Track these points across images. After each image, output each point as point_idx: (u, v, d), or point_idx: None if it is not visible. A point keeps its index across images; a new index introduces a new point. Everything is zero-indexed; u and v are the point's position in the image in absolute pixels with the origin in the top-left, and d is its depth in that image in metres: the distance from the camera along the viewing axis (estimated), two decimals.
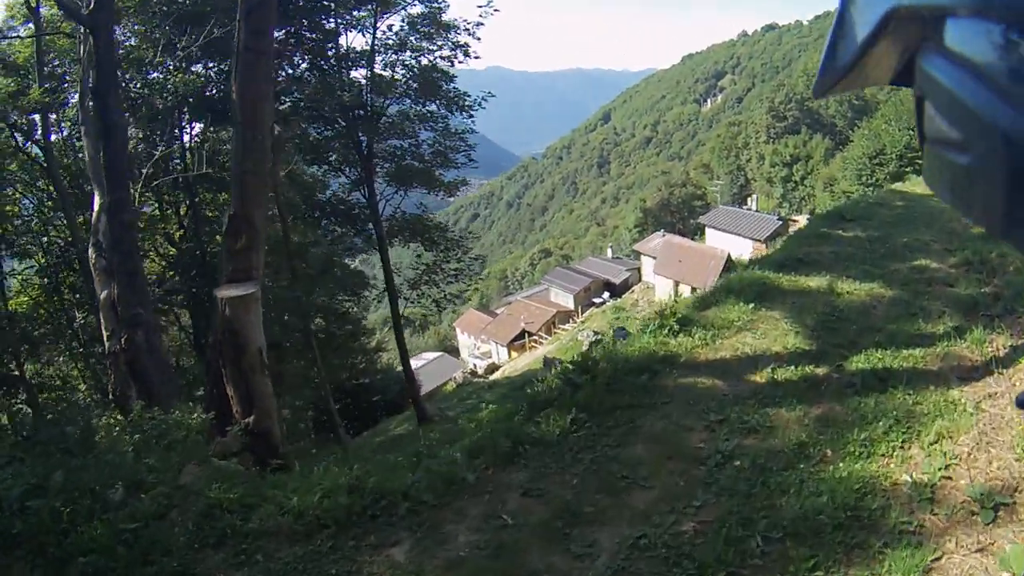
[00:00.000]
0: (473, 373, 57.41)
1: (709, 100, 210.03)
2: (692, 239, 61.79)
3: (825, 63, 0.92)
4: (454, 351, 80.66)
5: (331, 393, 35.64)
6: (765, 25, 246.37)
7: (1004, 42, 0.59)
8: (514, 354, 63.55)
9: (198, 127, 30.19)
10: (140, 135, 28.05)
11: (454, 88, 30.62)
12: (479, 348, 72.57)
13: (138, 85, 27.12)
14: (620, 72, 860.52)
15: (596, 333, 45.80)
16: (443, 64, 29.75)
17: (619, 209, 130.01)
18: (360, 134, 29.11)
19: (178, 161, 30.49)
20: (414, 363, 65.08)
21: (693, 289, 46.94)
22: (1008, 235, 0.64)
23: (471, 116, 32.47)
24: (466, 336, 76.39)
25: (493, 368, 59.99)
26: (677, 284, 51.76)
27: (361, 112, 28.62)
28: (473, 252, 39.93)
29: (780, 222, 52.05)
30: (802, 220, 52.12)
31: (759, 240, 49.94)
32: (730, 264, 46.99)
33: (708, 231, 56.77)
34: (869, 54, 0.81)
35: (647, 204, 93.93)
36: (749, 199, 64.99)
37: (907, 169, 37.75)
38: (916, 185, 20.96)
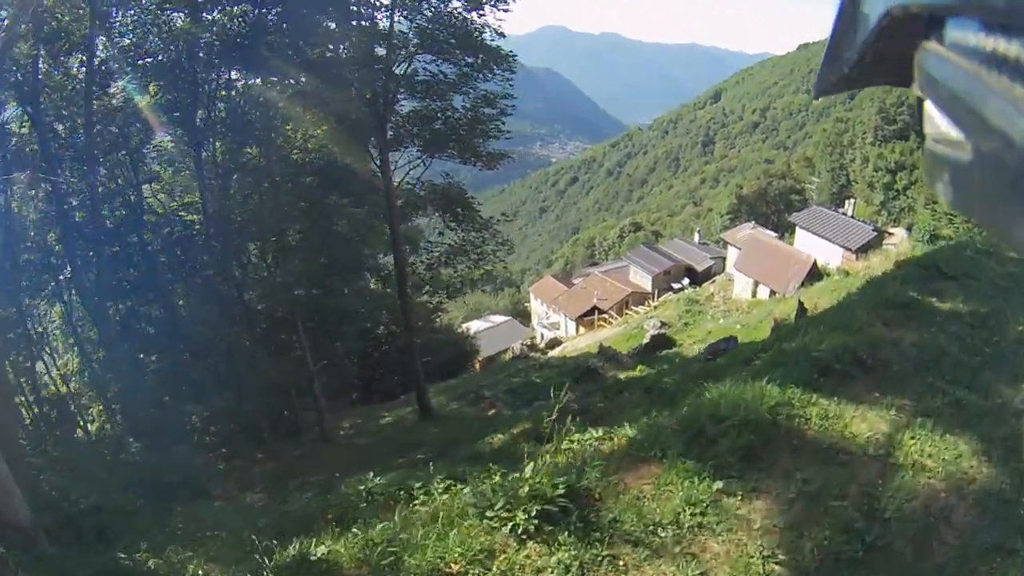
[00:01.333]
0: (532, 346, 56.74)
1: None
2: (782, 236, 59.65)
3: (826, 62, 0.94)
4: (526, 316, 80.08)
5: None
6: None
7: (1005, 41, 0.59)
8: (582, 329, 62.48)
9: None
10: None
11: (490, 40, 28.87)
12: (549, 318, 71.46)
13: None
14: (736, 53, 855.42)
15: (663, 324, 46.05)
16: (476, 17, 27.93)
17: (718, 191, 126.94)
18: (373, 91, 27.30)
19: None
20: (481, 324, 70.79)
21: (772, 292, 46.46)
22: (1009, 235, 0.62)
23: (511, 76, 30.63)
24: (539, 303, 75.12)
25: (554, 343, 59.28)
26: (757, 284, 50.09)
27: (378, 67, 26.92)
28: (520, 230, 37.99)
29: (875, 233, 49.39)
30: (899, 233, 51.03)
31: (850, 249, 47.60)
32: (815, 271, 45.58)
33: (798, 231, 54.19)
34: (869, 53, 0.82)
35: (743, 191, 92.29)
36: (847, 203, 62.31)
37: None
38: None
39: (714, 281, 57.72)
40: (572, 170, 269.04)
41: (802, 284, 44.57)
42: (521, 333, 69.62)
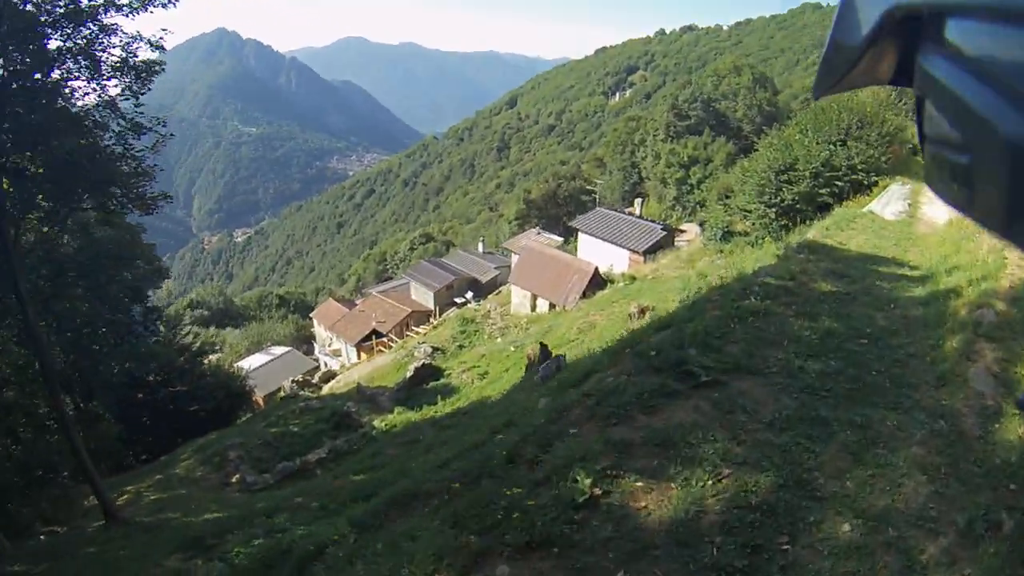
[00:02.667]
0: (305, 382, 50.93)
1: (618, 94, 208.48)
2: (568, 240, 56.41)
3: (825, 62, 0.94)
4: (312, 343, 75.41)
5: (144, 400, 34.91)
6: (684, 26, 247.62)
7: (1005, 41, 0.60)
8: (363, 356, 57.72)
9: None
10: None
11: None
12: (331, 344, 66.63)
13: None
14: (534, 59, 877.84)
15: (435, 350, 43.77)
16: None
17: (512, 196, 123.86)
18: None
19: None
20: (261, 357, 66.72)
21: (552, 305, 44.96)
22: (1009, 234, 0.65)
23: (140, 81, 20.20)
24: (322, 329, 70.14)
25: (329, 376, 54.31)
26: (535, 298, 46.06)
27: None
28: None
29: (664, 232, 46.52)
30: (692, 230, 49.73)
31: (637, 252, 45.57)
32: (597, 279, 43.68)
33: (581, 236, 50.45)
34: (869, 53, 0.83)
35: (531, 195, 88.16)
36: (636, 202, 59.94)
37: (823, 192, 32.47)
38: (846, 230, 22.70)
39: (499, 291, 55.11)
40: (369, 182, 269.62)
41: (584, 294, 42.02)
42: (303, 364, 64.94)
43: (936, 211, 27.99)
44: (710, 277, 20.41)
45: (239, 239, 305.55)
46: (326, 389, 47.09)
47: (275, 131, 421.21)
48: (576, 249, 51.04)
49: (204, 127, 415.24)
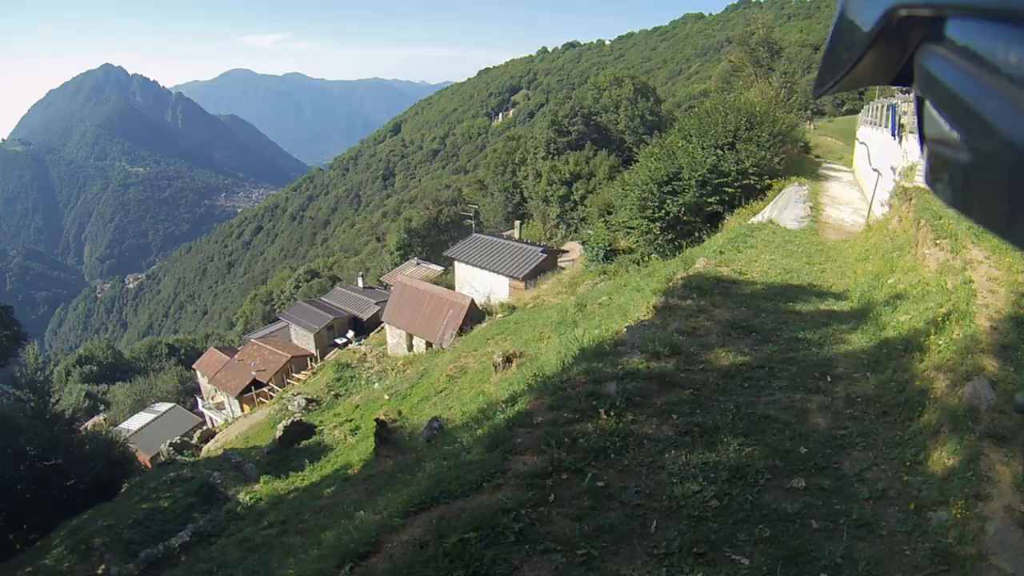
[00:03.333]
0: (183, 444, 46.84)
1: (501, 114, 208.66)
2: (446, 271, 52.92)
3: (825, 62, 0.94)
4: (197, 396, 70.58)
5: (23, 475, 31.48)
6: (566, 43, 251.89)
7: (1005, 41, 0.60)
8: (246, 408, 53.56)
9: None
10: None
11: None
12: (215, 397, 62.34)
13: None
14: (418, 84, 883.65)
15: (309, 401, 40.35)
16: None
17: (396, 224, 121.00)
18: None
19: None
20: (145, 416, 63.29)
21: (428, 344, 41.96)
22: (1009, 234, 0.64)
23: None
24: (205, 380, 65.92)
25: (208, 436, 50.38)
26: (411, 337, 42.98)
27: None
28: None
29: (544, 255, 43.44)
30: (575, 248, 47.08)
31: (517, 278, 42.56)
32: (474, 312, 40.96)
33: (457, 266, 47.28)
34: (869, 53, 0.82)
35: (412, 223, 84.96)
36: (515, 224, 57.11)
37: (711, 200, 29.38)
38: (744, 249, 19.11)
39: (380, 329, 51.00)
40: (257, 219, 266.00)
41: (461, 329, 39.13)
42: (187, 421, 61.69)
43: (842, 213, 24.65)
44: (587, 310, 20.66)
45: (131, 285, 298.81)
46: (205, 451, 43.90)
47: (163, 170, 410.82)
48: (453, 279, 48.20)
49: (92, 169, 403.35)
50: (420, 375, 33.70)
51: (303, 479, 26.24)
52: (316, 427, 34.19)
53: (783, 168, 30.64)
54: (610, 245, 35.59)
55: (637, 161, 35.83)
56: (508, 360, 21.15)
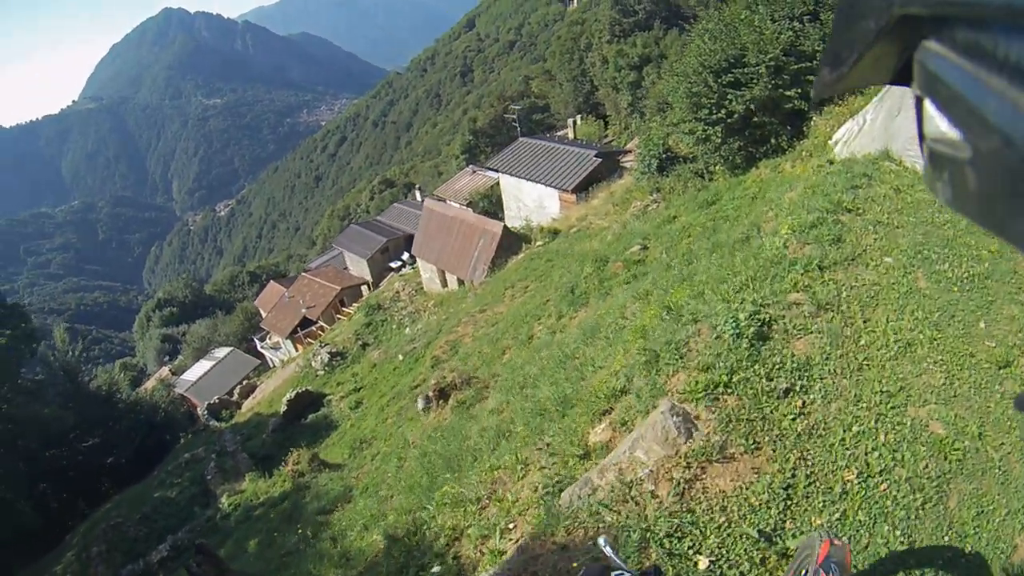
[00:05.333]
0: (222, 403, 44.63)
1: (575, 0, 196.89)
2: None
3: (826, 61, 0.94)
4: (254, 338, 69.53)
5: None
6: None
7: (1006, 41, 0.60)
8: (299, 347, 51.65)
9: None
10: None
11: None
12: (271, 338, 60.23)
13: None
14: None
15: (333, 355, 36.75)
16: None
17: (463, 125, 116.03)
18: None
19: None
20: (205, 364, 63.12)
21: (460, 282, 37.95)
22: (1009, 234, 0.65)
23: None
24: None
25: (249, 390, 47.46)
26: (443, 273, 38.68)
27: None
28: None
29: (598, 160, 37.47)
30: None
31: (566, 190, 37.33)
32: (510, 240, 36.10)
33: (503, 179, 41.74)
34: (870, 52, 0.82)
35: (478, 124, 78.70)
36: (569, 123, 52.95)
37: (790, 93, 21.36)
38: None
39: (410, 265, 48.02)
40: (340, 130, 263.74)
41: (492, 264, 34.89)
42: (245, 365, 59.58)
43: None
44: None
45: (222, 213, 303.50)
46: (245, 407, 41.93)
47: (240, 97, 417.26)
48: (499, 193, 43.35)
49: (168, 109, 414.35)
50: (427, 340, 29.44)
51: (283, 481, 22.98)
52: (326, 396, 31.30)
53: None
54: (666, 151, 28.57)
55: (692, 40, 28.29)
56: (442, 395, 17.35)
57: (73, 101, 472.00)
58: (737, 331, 7.66)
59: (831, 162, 15.96)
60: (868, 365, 7.59)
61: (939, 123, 0.72)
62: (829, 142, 18.81)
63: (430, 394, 17.87)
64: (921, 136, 0.79)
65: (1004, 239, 0.65)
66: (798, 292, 8.88)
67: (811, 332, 8.02)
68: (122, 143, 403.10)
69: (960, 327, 8.54)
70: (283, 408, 30.62)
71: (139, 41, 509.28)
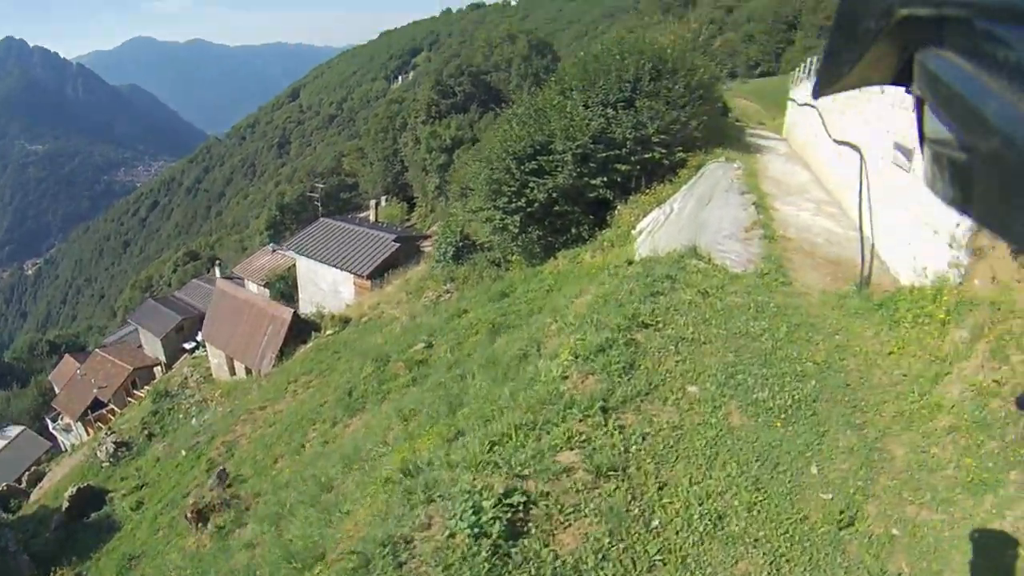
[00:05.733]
0: (11, 491, 40.53)
1: (400, 77, 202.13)
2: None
3: (826, 62, 0.93)
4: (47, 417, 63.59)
5: None
6: (472, 3, 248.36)
7: (1006, 42, 0.61)
8: (90, 432, 47.91)
9: None
10: None
11: None
12: (62, 419, 55.56)
13: None
14: (322, 48, 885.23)
15: (118, 445, 33.49)
16: None
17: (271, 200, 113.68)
18: None
19: None
20: None
21: (248, 371, 35.72)
22: (1009, 233, 0.65)
23: None
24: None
25: (37, 477, 43.49)
26: (231, 360, 36.56)
27: None
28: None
29: (396, 244, 36.67)
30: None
31: (361, 276, 35.93)
32: (296, 328, 34.37)
33: (299, 262, 39.89)
34: (870, 53, 0.82)
35: (285, 199, 76.22)
36: (371, 204, 51.51)
37: (595, 182, 20.39)
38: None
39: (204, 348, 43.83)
40: (153, 194, 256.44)
41: (281, 351, 33.12)
42: (36, 449, 54.09)
43: (801, 212, 14.37)
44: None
45: (29, 272, 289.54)
46: (33, 496, 38.13)
47: (63, 146, 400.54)
48: (295, 276, 41.18)
49: None
50: (210, 436, 27.26)
51: None
52: (109, 493, 28.37)
53: (703, 136, 21.34)
54: (464, 239, 27.59)
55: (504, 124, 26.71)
56: (201, 518, 15.55)
57: None
58: (479, 528, 5.41)
59: (630, 262, 14.05)
60: (663, 560, 5.56)
61: (940, 124, 0.71)
62: (632, 231, 17.70)
63: (188, 515, 16.19)
64: (921, 137, 0.79)
65: (1005, 240, 0.66)
66: (572, 450, 6.63)
67: (585, 515, 5.83)
68: None
69: (786, 478, 6.68)
70: (64, 505, 28.11)
71: None
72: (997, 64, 0.60)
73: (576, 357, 8.78)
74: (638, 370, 8.38)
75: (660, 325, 9.64)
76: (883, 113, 12.61)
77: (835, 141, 16.95)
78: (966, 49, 0.64)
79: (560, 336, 10.86)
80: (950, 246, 9.25)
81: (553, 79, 25.10)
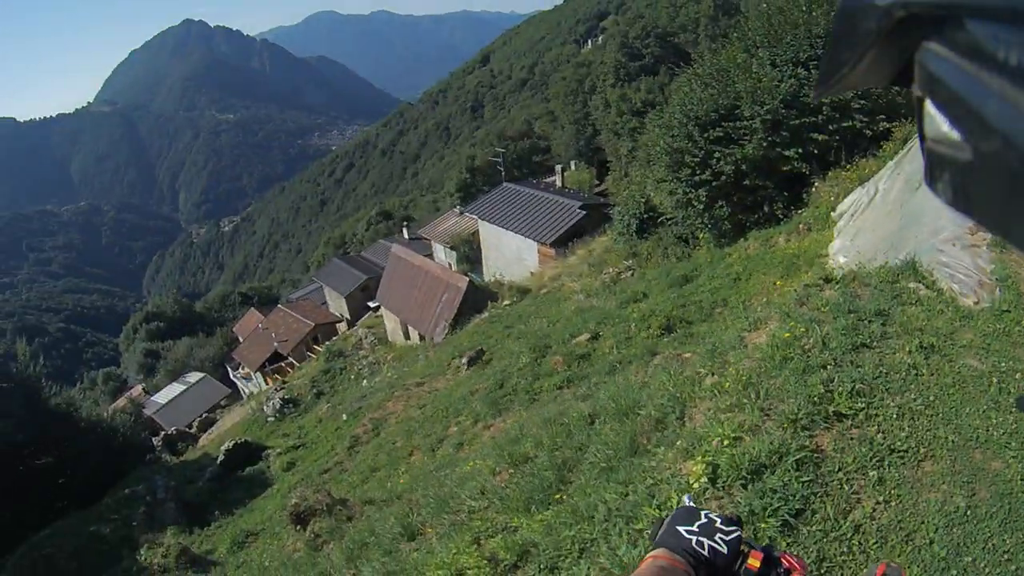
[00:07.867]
0: (180, 435, 43.40)
1: (590, 41, 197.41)
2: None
3: (826, 62, 0.93)
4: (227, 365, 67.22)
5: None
6: None
7: (1006, 41, 0.61)
8: (269, 381, 50.01)
9: None
10: None
11: None
12: (242, 368, 58.00)
13: None
14: (508, 15, 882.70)
15: (285, 402, 35.45)
16: None
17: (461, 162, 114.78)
18: None
19: None
20: (176, 387, 61.55)
21: (421, 337, 35.89)
22: (1010, 234, 0.66)
23: None
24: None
25: (207, 424, 45.98)
26: (406, 326, 36.57)
27: None
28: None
29: (583, 212, 35.31)
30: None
31: (546, 244, 35.34)
32: (471, 297, 33.81)
33: (481, 227, 39.58)
34: (870, 53, 0.82)
35: (476, 162, 75.80)
36: (557, 169, 50.80)
37: (788, 153, 18.40)
38: None
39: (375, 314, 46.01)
40: (348, 156, 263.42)
41: (455, 320, 32.85)
42: (215, 393, 57.63)
43: None
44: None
45: (226, 228, 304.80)
46: (201, 442, 40.54)
47: (253, 115, 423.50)
48: (478, 240, 41.05)
49: (182, 120, 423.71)
50: (378, 400, 26.96)
51: (202, 541, 21.67)
52: (265, 450, 29.95)
53: (910, 104, 19.02)
54: (649, 211, 25.45)
55: (676, 87, 25.08)
56: (301, 520, 15.62)
57: (88, 102, 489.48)
58: None
59: (827, 280, 10.09)
60: None
61: (939, 124, 0.71)
62: (832, 214, 15.98)
63: (288, 515, 15.89)
64: (922, 137, 0.78)
65: (1004, 239, 0.66)
66: None
67: None
68: (133, 149, 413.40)
69: None
70: (220, 457, 29.51)
71: (158, 49, 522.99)
72: (997, 64, 0.60)
73: (714, 480, 5.88)
74: (811, 521, 5.36)
75: (861, 417, 6.34)
76: None
77: None
78: (966, 49, 0.64)
79: (708, 402, 7.51)
80: None
81: (736, 35, 22.90)
